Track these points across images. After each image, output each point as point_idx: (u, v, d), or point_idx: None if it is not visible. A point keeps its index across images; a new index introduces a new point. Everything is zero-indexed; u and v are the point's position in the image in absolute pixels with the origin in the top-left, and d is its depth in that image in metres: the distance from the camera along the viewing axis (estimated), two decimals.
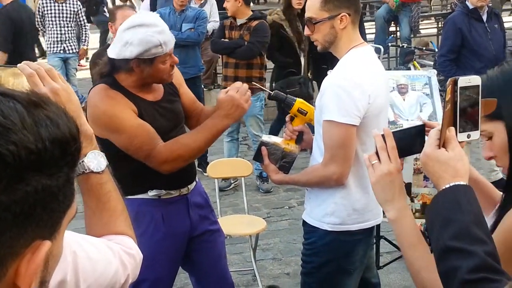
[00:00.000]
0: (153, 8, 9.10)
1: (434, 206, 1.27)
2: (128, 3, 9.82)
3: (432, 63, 6.69)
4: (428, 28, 10.11)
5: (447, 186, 1.26)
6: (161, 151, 2.55)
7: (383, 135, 1.38)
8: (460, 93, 1.31)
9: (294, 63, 5.58)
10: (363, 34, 5.42)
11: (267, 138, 2.76)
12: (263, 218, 4.34)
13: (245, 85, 2.63)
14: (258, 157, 2.71)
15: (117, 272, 1.23)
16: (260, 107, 5.70)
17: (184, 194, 2.79)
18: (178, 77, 2.86)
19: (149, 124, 2.60)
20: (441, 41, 5.78)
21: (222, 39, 5.55)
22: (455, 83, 1.31)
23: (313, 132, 2.66)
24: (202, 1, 7.51)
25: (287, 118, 2.74)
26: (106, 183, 1.31)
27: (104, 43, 10.21)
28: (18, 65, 1.29)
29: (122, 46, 2.49)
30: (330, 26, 2.48)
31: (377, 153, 1.38)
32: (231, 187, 5.79)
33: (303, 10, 5.29)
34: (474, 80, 1.33)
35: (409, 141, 1.43)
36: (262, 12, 5.99)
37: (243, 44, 5.42)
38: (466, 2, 5.36)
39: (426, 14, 11.43)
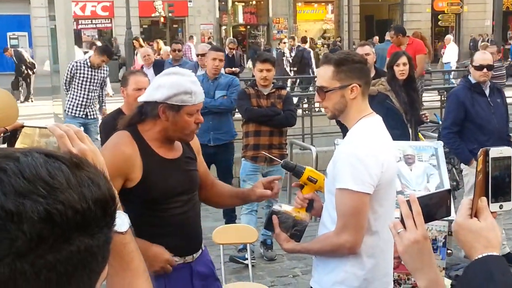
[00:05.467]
0: (157, 73, 9.35)
1: (466, 276, 1.27)
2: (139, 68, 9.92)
3: (436, 135, 6.77)
4: (432, 101, 10.26)
5: (480, 256, 1.26)
6: None
7: (407, 201, 1.38)
8: (491, 164, 1.33)
9: (401, 134, 5.19)
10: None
11: (277, 206, 2.77)
12: (268, 287, 4.30)
13: None
14: (269, 226, 2.72)
15: None
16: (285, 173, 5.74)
17: (188, 262, 2.78)
18: (197, 145, 2.92)
19: (160, 181, 2.62)
20: (444, 114, 5.87)
21: (254, 107, 5.56)
22: (486, 153, 1.34)
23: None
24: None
25: (296, 186, 2.77)
26: (129, 243, 1.33)
27: None
28: (48, 126, 1.33)
29: (153, 89, 2.63)
30: (340, 95, 2.54)
31: (402, 221, 1.38)
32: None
33: (407, 80, 5.46)
34: (506, 151, 1.36)
35: (435, 206, 1.44)
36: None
37: (280, 112, 5.52)
38: (469, 76, 5.48)
39: (429, 87, 11.64)
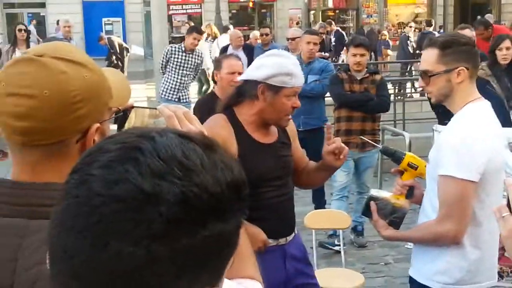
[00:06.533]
0: (249, 57, 9.40)
1: None
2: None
3: None
4: None
5: None
6: None
7: None
8: None
9: (503, 121, 4.75)
10: None
11: (375, 192, 2.71)
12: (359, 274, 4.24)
13: None
14: (366, 212, 2.66)
15: None
16: (377, 159, 5.62)
17: (282, 245, 2.78)
18: (293, 131, 2.89)
19: (254, 166, 2.61)
20: None
21: (346, 92, 5.45)
22: None
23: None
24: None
25: (395, 172, 2.69)
26: None
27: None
28: (158, 107, 1.35)
29: (255, 69, 2.64)
30: (446, 79, 2.43)
31: (508, 204, 1.32)
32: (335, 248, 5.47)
33: (510, 65, 5.20)
34: None
35: None
36: None
37: (374, 98, 5.39)
38: None
39: None
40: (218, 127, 2.64)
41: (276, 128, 2.79)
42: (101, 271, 0.65)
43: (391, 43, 18.52)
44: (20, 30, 9.76)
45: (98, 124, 1.22)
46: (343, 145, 2.68)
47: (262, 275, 2.76)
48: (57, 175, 1.10)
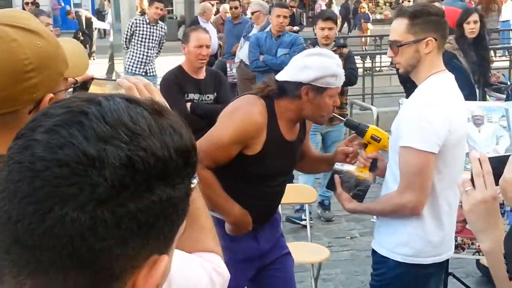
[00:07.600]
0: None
1: None
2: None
3: (504, 96, 6.52)
4: (500, 60, 9.89)
5: None
6: (201, 173, 2.46)
7: (479, 160, 1.33)
8: None
9: (468, 95, 4.68)
10: None
11: (339, 166, 2.72)
12: (325, 247, 4.29)
13: None
14: (331, 186, 2.68)
15: None
16: (344, 133, 5.66)
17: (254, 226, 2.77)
18: (310, 125, 2.87)
19: (274, 161, 2.60)
20: None
21: None
22: None
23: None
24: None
25: (359, 145, 2.71)
26: (196, 199, 1.30)
27: None
28: (118, 79, 1.33)
29: (298, 70, 2.54)
30: (414, 49, 2.43)
31: (472, 179, 1.34)
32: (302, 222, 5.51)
33: (477, 38, 5.22)
34: None
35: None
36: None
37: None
38: None
39: (498, 46, 11.23)
40: (257, 114, 2.56)
41: (299, 124, 2.75)
42: (45, 236, 0.64)
43: (371, 16, 18.34)
44: (27, 3, 9.34)
45: (52, 95, 1.19)
46: (358, 154, 2.70)
47: (236, 249, 2.78)
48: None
